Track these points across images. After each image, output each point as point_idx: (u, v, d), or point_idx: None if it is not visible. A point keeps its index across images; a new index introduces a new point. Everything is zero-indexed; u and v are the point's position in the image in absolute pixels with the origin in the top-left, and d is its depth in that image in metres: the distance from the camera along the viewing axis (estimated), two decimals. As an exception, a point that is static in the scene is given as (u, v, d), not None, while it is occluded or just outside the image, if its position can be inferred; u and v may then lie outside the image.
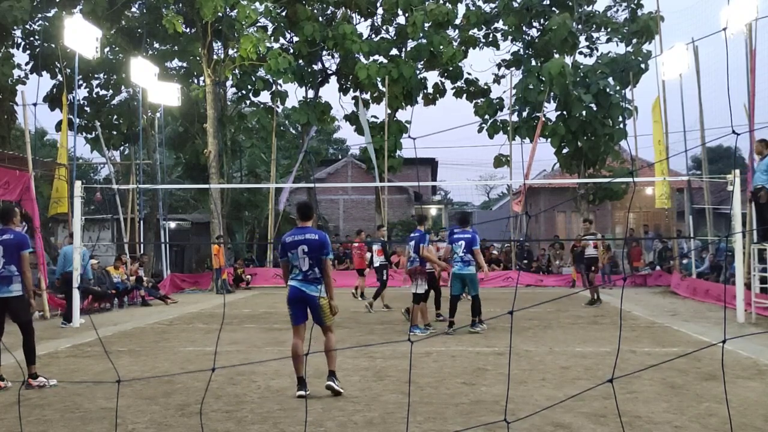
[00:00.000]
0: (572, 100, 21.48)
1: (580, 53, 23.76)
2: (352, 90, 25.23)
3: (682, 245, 21.57)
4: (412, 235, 10.35)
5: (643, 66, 21.88)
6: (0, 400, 6.01)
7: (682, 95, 18.43)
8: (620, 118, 21.74)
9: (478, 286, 10.42)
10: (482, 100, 24.60)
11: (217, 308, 14.76)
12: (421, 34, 22.95)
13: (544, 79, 21.31)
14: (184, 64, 23.64)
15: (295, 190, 27.71)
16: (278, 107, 24.59)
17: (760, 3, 12.90)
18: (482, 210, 51.51)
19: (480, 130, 23.39)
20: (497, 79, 25.19)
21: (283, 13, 23.25)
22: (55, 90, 21.35)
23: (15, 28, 19.15)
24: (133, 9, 22.30)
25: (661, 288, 18.72)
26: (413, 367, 7.31)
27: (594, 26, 23.82)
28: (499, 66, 25.08)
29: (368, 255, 17.66)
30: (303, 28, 22.34)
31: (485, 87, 25.03)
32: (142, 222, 20.74)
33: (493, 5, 23.96)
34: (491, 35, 24.42)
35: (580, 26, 23.21)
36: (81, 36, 15.01)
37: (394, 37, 24.50)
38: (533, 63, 23.10)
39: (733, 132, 3.16)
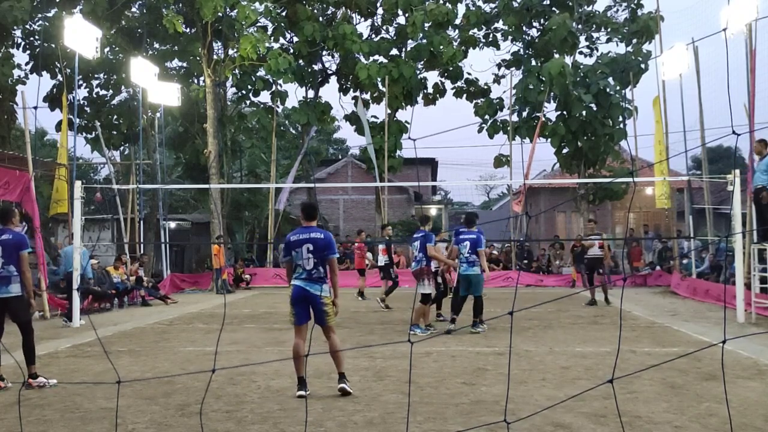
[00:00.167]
0: (572, 100, 21.48)
1: (580, 53, 23.79)
2: (352, 90, 25.24)
3: (682, 245, 21.57)
4: (416, 235, 10.33)
5: (643, 66, 21.88)
6: (0, 400, 6.01)
7: (682, 95, 18.45)
8: (620, 118, 21.74)
9: (482, 288, 10.41)
10: (482, 100, 24.60)
11: (217, 308, 14.76)
12: (421, 34, 22.95)
13: (544, 79, 21.31)
14: (184, 64, 23.64)
15: (295, 190, 27.72)
16: (278, 107, 24.60)
17: (760, 3, 12.90)
18: (482, 210, 51.51)
19: (480, 130, 23.41)
20: (497, 79, 25.20)
21: (283, 13, 23.25)
22: (55, 90, 21.35)
23: (15, 28, 19.15)
24: (133, 9, 22.30)
25: (661, 288, 18.72)
26: (413, 367, 7.31)
27: (594, 26, 23.82)
28: (499, 66, 25.10)
29: (369, 255, 17.69)
30: (303, 28, 22.35)
31: (485, 87, 25.04)
32: (142, 222, 20.73)
33: (493, 5, 23.96)
34: (491, 35, 24.42)
35: (580, 26, 23.21)
36: (81, 36, 15.00)
37: (394, 37, 24.50)
38: (533, 63, 23.10)
39: (734, 132, 3.16)
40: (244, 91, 23.70)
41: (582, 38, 23.52)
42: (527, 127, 22.60)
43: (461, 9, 23.84)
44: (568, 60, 22.20)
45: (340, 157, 40.38)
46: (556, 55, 22.00)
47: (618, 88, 21.91)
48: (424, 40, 23.16)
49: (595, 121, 21.68)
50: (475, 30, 24.15)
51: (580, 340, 9.39)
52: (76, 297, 11.85)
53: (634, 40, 22.55)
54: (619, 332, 9.15)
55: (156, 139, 23.47)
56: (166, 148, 25.32)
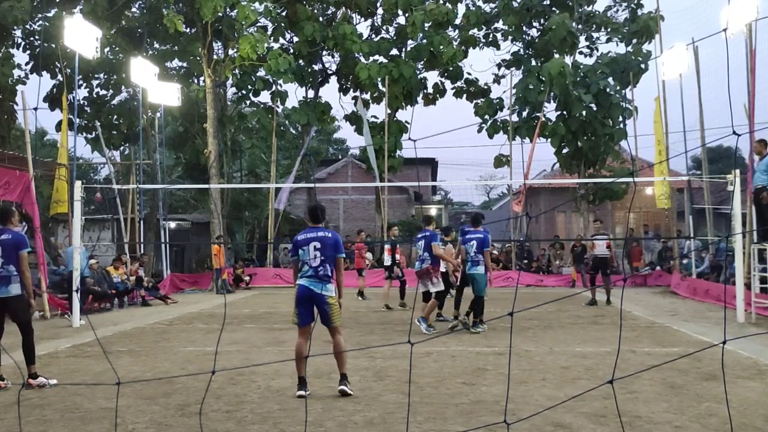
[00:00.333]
0: (572, 100, 21.49)
1: (580, 53, 23.80)
2: (352, 90, 25.24)
3: (682, 245, 21.57)
4: (420, 235, 10.32)
5: (643, 66, 21.88)
6: (0, 400, 6.01)
7: (682, 95, 18.45)
8: (620, 118, 21.74)
9: (485, 288, 10.42)
10: (482, 100, 24.61)
11: (217, 308, 14.76)
12: (421, 34, 22.96)
13: (544, 79, 21.31)
14: (184, 64, 23.64)
15: (295, 190, 27.73)
16: (278, 107, 24.60)
17: (760, 3, 12.90)
18: (482, 210, 51.51)
19: (480, 130, 23.43)
20: (497, 79, 25.21)
21: (283, 13, 23.26)
22: (55, 90, 21.35)
23: (15, 28, 19.15)
24: (133, 9, 22.30)
25: (661, 288, 18.72)
26: (413, 367, 7.31)
27: (594, 26, 23.83)
28: (499, 66, 25.11)
29: (369, 255, 17.70)
30: (303, 28, 22.35)
31: (485, 87, 25.05)
32: (142, 222, 20.74)
33: (493, 5, 23.96)
34: (491, 35, 24.43)
35: (580, 26, 23.22)
36: (81, 36, 15.00)
37: (394, 37, 24.51)
38: (533, 63, 23.11)
39: (734, 132, 3.16)
40: (244, 91, 23.70)
41: (582, 38, 23.53)
42: (527, 127, 22.61)
43: (461, 9, 23.88)
44: (568, 60, 22.20)
45: (340, 157, 40.40)
46: (556, 55, 22.00)
47: (618, 88, 21.91)
48: (424, 40, 23.17)
49: (595, 121, 21.68)
50: (475, 30, 24.16)
51: (580, 340, 9.39)
52: (75, 297, 11.85)
53: (634, 40, 22.56)
54: (619, 332, 9.15)
55: (156, 139, 23.47)
56: (166, 148, 25.32)
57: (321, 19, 24.04)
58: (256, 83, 23.02)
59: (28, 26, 20.37)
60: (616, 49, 23.75)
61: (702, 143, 18.47)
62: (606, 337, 9.66)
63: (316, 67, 24.69)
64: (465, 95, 25.14)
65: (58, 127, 20.27)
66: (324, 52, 24.37)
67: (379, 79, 22.84)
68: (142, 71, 18.99)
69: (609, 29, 23.46)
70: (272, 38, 23.43)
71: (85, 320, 11.84)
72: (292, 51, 23.20)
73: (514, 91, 23.18)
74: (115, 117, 22.82)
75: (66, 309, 12.67)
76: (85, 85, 22.52)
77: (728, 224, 19.86)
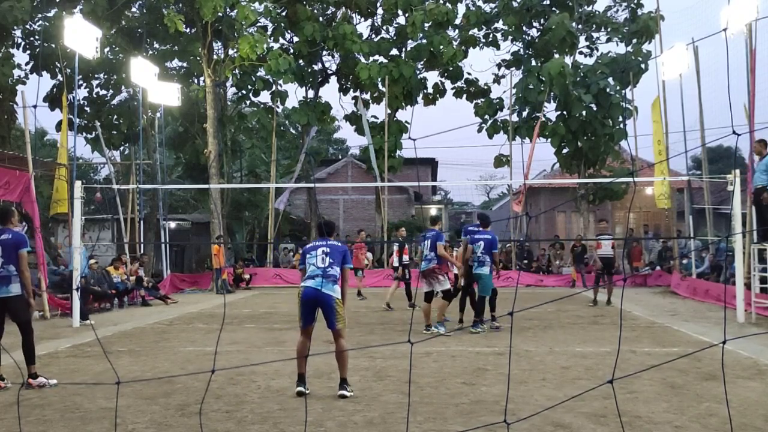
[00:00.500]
0: (572, 100, 21.48)
1: (580, 53, 23.80)
2: (352, 90, 25.25)
3: (682, 245, 21.57)
4: (426, 234, 10.33)
5: (643, 66, 21.88)
6: (0, 400, 6.01)
7: (682, 95, 18.45)
8: (620, 118, 21.74)
9: (489, 289, 10.47)
10: (482, 100, 24.60)
11: (217, 308, 14.76)
12: (421, 34, 22.95)
13: (544, 79, 21.31)
14: (184, 64, 23.65)
15: (295, 190, 27.73)
16: (278, 107, 24.60)
17: (760, 3, 12.90)
18: (482, 210, 51.51)
19: (480, 130, 23.43)
20: (497, 79, 25.21)
21: (283, 13, 23.26)
22: (55, 90, 21.35)
23: (15, 28, 19.15)
24: (133, 9, 22.30)
25: (661, 288, 18.72)
26: (413, 367, 7.31)
27: (594, 26, 23.82)
28: (499, 66, 25.10)
29: (369, 255, 17.70)
30: (303, 28, 22.35)
31: (485, 87, 25.04)
32: (142, 222, 20.74)
33: (493, 5, 23.96)
34: (491, 35, 24.42)
35: (580, 26, 23.22)
36: (81, 36, 15.00)
37: (394, 37, 24.51)
38: (533, 63, 23.10)
39: (734, 132, 3.15)
40: (244, 91, 23.71)
41: (582, 38, 23.53)
42: (527, 127, 22.60)
43: (461, 9, 23.87)
44: (568, 60, 22.20)
45: (340, 157, 40.41)
46: (556, 55, 22.00)
47: (618, 88, 21.91)
48: (424, 40, 23.16)
49: (595, 121, 21.68)
50: (475, 30, 24.15)
51: (580, 340, 9.39)
52: (76, 296, 11.86)
53: (634, 40, 22.55)
54: (619, 332, 9.15)
55: (156, 139, 23.48)
56: (166, 148, 25.33)
57: (321, 19, 24.04)
58: (256, 83, 23.02)
59: (28, 26, 20.38)
60: (616, 49, 23.79)
61: (702, 143, 18.48)
62: (606, 337, 9.66)
63: (316, 67, 24.68)
64: (465, 95, 25.13)
65: (58, 127, 20.27)
66: (324, 52, 24.36)
67: (379, 79, 22.84)
68: (142, 71, 18.99)
69: (609, 29, 23.45)
70: (272, 38, 23.43)
71: (91, 320, 11.83)
72: (292, 51, 23.20)
73: (514, 91, 23.17)
74: (115, 117, 22.81)
75: (67, 310, 12.69)
76: (85, 85, 22.53)
77: (728, 224, 19.86)
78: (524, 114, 23.05)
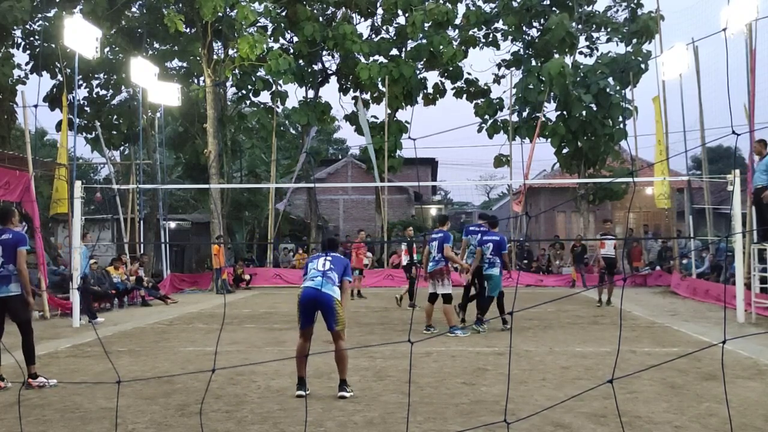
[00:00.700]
0: (572, 100, 21.48)
1: (580, 53, 23.80)
2: (352, 90, 25.25)
3: (682, 245, 21.56)
4: (434, 235, 10.30)
5: (643, 66, 21.88)
6: (0, 400, 6.01)
7: (682, 95, 18.44)
8: (620, 118, 21.74)
9: (498, 290, 10.54)
10: (482, 100, 24.60)
11: (217, 308, 14.76)
12: (421, 35, 22.95)
13: (544, 79, 21.31)
14: (184, 64, 23.65)
15: (295, 189, 27.74)
16: (278, 107, 24.60)
17: (760, 3, 12.89)
18: (482, 210, 51.52)
19: (480, 130, 23.43)
20: (497, 79, 25.21)
21: (283, 13, 23.26)
22: (55, 90, 21.35)
23: (15, 28, 19.15)
24: (133, 9, 22.30)
25: (661, 288, 18.72)
26: (413, 367, 7.31)
27: (594, 26, 23.82)
28: (499, 66, 25.11)
29: (369, 255, 17.68)
30: (303, 28, 22.35)
31: (485, 87, 25.04)
32: (142, 222, 20.74)
33: (492, 5, 23.95)
34: (491, 35, 24.42)
35: (580, 26, 23.22)
36: (81, 36, 14.99)
37: (394, 37, 24.51)
38: (533, 63, 23.10)
39: (733, 132, 3.16)
40: (244, 91, 23.71)
41: (582, 38, 23.53)
42: (527, 127, 22.60)
43: (461, 9, 23.87)
44: (568, 60, 22.20)
45: (340, 157, 40.40)
46: (556, 55, 22.00)
47: (618, 88, 21.91)
48: (424, 40, 23.16)
49: (595, 121, 21.68)
50: (475, 30, 24.15)
51: (580, 340, 9.39)
52: (76, 296, 11.86)
53: (634, 40, 22.55)
54: (619, 332, 9.15)
55: (156, 139, 23.47)
56: (166, 148, 25.32)
57: (321, 19, 24.04)
58: (256, 83, 23.02)
59: (28, 26, 20.38)
60: (616, 49, 23.78)
61: (702, 143, 18.47)
62: (606, 337, 9.66)
63: (316, 67, 24.69)
64: (465, 95, 25.13)
65: (58, 127, 20.27)
66: (324, 52, 24.36)
67: (379, 79, 22.84)
68: (142, 71, 18.98)
69: (609, 29, 23.45)
70: (272, 38, 23.44)
71: (86, 320, 11.84)
72: (292, 51, 23.20)
73: (514, 91, 23.17)
74: (115, 117, 22.82)
75: (67, 310, 12.69)
76: (85, 85, 22.53)
77: (728, 224, 19.85)
78: (524, 114, 23.04)
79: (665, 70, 18.41)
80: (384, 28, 25.02)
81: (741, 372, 6.93)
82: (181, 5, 20.51)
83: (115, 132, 22.73)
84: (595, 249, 17.88)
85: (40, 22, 20.79)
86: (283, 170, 29.47)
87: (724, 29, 3.47)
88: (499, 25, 23.97)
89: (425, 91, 25.21)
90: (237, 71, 21.96)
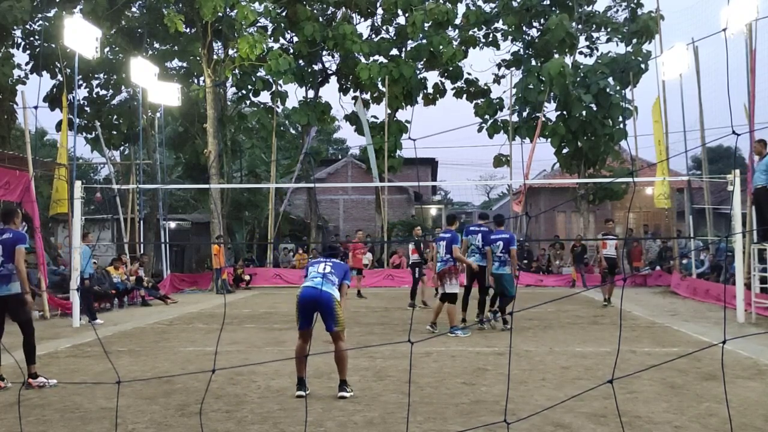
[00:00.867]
0: (572, 100, 21.48)
1: (580, 53, 23.81)
2: (352, 90, 25.25)
3: (682, 245, 21.55)
4: (442, 235, 10.32)
5: (643, 66, 21.87)
6: (0, 400, 6.01)
7: (682, 95, 18.44)
8: (620, 118, 21.73)
9: (513, 287, 10.61)
10: (482, 100, 24.60)
11: (217, 308, 14.76)
12: (421, 35, 22.95)
13: (544, 79, 21.31)
14: (184, 64, 23.65)
15: (295, 190, 27.73)
16: (278, 107, 24.60)
17: (760, 3, 12.89)
18: (482, 210, 51.49)
19: (480, 130, 23.44)
20: (497, 79, 25.21)
21: (283, 13, 23.26)
22: (55, 90, 21.35)
23: (15, 28, 19.15)
24: (133, 9, 22.30)
25: (661, 288, 18.71)
26: (413, 367, 7.31)
27: (594, 26, 23.82)
28: (499, 66, 25.11)
29: (369, 255, 17.65)
30: (303, 28, 22.35)
31: (485, 87, 25.05)
32: (142, 222, 20.73)
33: (493, 5, 23.96)
34: (491, 35, 24.43)
35: (580, 26, 23.22)
36: (81, 36, 14.99)
37: (394, 37, 24.51)
38: (533, 63, 23.10)
39: (734, 132, 3.16)
40: (244, 91, 23.71)
41: (582, 38, 23.53)
42: (527, 127, 22.60)
43: (461, 9, 23.88)
44: (568, 60, 22.20)
45: (340, 157, 40.38)
46: (556, 55, 22.00)
47: (618, 88, 21.91)
48: (424, 40, 23.16)
49: (595, 121, 21.68)
50: (475, 30, 24.15)
51: (580, 340, 9.39)
52: (76, 296, 11.87)
53: (634, 40, 22.55)
54: (619, 332, 9.16)
55: (156, 139, 23.47)
56: (166, 148, 25.31)
57: (321, 19, 24.04)
58: (256, 83, 23.02)
59: (28, 26, 20.38)
60: (616, 49, 23.78)
61: (702, 143, 18.47)
62: (606, 337, 9.66)
63: (316, 67, 24.69)
64: (465, 95, 25.14)
65: (58, 127, 20.27)
66: (324, 52, 24.37)
67: (379, 79, 22.84)
68: (142, 71, 18.98)
69: (609, 29, 23.46)
70: (272, 38, 23.45)
71: (86, 320, 11.84)
72: (292, 51, 23.20)
73: (514, 91, 23.18)
74: (115, 117, 22.82)
75: (67, 310, 12.70)
76: (85, 85, 22.53)
77: (728, 224, 19.86)
78: (524, 114, 23.04)
79: (665, 70, 18.40)
80: (384, 28, 25.03)
81: (741, 372, 6.92)
82: (181, 5, 20.51)
83: (115, 132, 22.73)
84: (595, 249, 17.85)
85: (40, 22, 20.79)
86: (283, 170, 29.46)
87: (724, 29, 3.47)
88: (499, 25, 23.99)
89: (425, 91, 25.21)
90: (237, 71, 21.97)
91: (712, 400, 5.72)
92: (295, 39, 23.51)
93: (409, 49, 24.05)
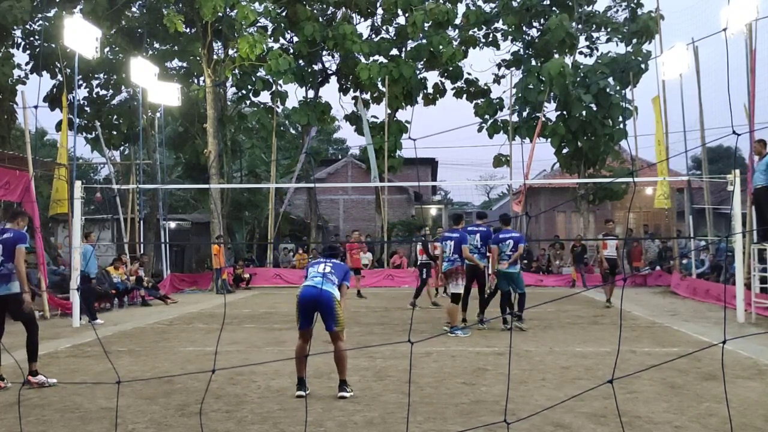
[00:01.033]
0: (572, 100, 21.48)
1: (580, 53, 23.80)
2: (352, 90, 25.25)
3: (682, 245, 21.55)
4: (449, 234, 10.28)
5: (643, 66, 21.86)
6: (0, 400, 6.01)
7: (682, 95, 18.43)
8: (620, 118, 21.73)
9: (524, 284, 10.67)
10: (482, 100, 24.60)
11: (217, 308, 14.76)
12: (421, 35, 22.95)
13: (544, 79, 21.31)
14: (184, 64, 23.64)
15: (295, 190, 27.74)
16: (278, 107, 24.60)
17: (760, 3, 12.90)
18: (482, 210, 51.48)
19: (480, 130, 23.45)
20: (497, 79, 25.21)
21: (283, 13, 23.26)
22: (55, 90, 21.35)
23: (15, 28, 19.15)
24: (133, 9, 22.30)
25: (661, 288, 18.71)
26: (413, 367, 7.31)
27: (594, 26, 23.82)
28: (499, 66, 25.11)
29: (369, 255, 17.63)
30: (303, 28, 22.35)
31: (485, 87, 25.05)
32: (142, 222, 20.73)
33: (493, 5, 23.96)
34: (491, 35, 24.42)
35: (580, 26, 23.21)
36: (81, 36, 14.99)
37: (394, 37, 24.51)
38: (533, 63, 23.10)
39: (734, 132, 3.16)
40: (244, 91, 23.70)
41: (582, 38, 23.52)
42: (527, 127, 22.59)
43: (461, 9, 23.87)
44: (568, 60, 22.20)
45: (340, 157, 40.38)
46: (556, 55, 22.00)
47: (618, 88, 21.90)
48: (424, 40, 23.16)
49: (595, 121, 21.68)
50: (475, 30, 24.15)
51: (580, 340, 9.39)
52: (76, 296, 11.87)
53: (634, 40, 22.54)
54: (619, 332, 9.15)
55: (156, 139, 23.47)
56: (166, 148, 25.31)
57: (321, 19, 24.04)
58: (256, 83, 23.02)
59: (28, 26, 20.38)
60: (616, 49, 23.78)
61: (702, 143, 18.47)
62: (606, 337, 9.66)
63: (316, 67, 24.69)
64: (465, 95, 25.14)
65: (58, 127, 20.27)
66: (324, 52, 24.36)
67: (379, 79, 22.84)
68: (142, 71, 18.98)
69: (609, 29, 23.45)
70: (272, 38, 23.44)
71: (86, 320, 11.84)
72: (292, 51, 23.20)
73: (514, 91, 23.18)
74: (115, 117, 22.82)
75: (68, 310, 12.71)
76: (85, 85, 22.53)
77: (728, 224, 19.85)
78: (524, 114, 23.03)
79: (665, 70, 18.40)
80: (384, 28, 25.03)
81: (741, 372, 6.92)
82: (181, 5, 20.51)
83: (115, 132, 22.73)
84: (595, 249, 17.82)
85: (40, 22, 20.79)
86: (283, 170, 29.46)
87: (724, 29, 3.47)
88: (499, 25, 23.98)
89: (425, 91, 25.21)
90: (237, 71, 21.97)
91: (712, 400, 5.72)
92: (295, 39, 23.50)
93: (409, 49, 24.05)
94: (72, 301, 12.30)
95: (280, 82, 22.84)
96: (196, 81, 23.31)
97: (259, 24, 22.09)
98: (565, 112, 22.09)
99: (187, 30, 20.78)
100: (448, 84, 25.19)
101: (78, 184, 12.62)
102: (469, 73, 24.96)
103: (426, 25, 22.83)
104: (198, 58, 21.46)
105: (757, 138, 11.68)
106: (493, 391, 6.24)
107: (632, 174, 17.60)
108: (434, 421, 5.25)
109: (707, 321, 11.43)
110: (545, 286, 20.33)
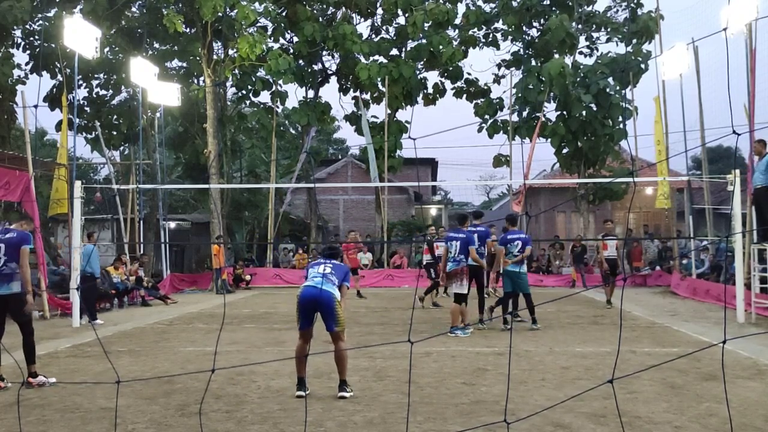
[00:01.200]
0: (572, 100, 21.48)
1: (580, 53, 23.79)
2: (352, 90, 25.25)
3: (682, 245, 21.55)
4: (454, 234, 10.18)
5: (643, 66, 21.86)
6: (0, 400, 6.01)
7: (682, 95, 18.43)
8: (620, 118, 21.73)
9: (527, 286, 10.68)
10: (482, 100, 24.60)
11: (217, 308, 14.76)
12: (421, 35, 22.95)
13: (544, 79, 21.30)
14: (184, 64, 23.64)
15: (295, 190, 27.74)
16: (278, 107, 24.60)
17: (760, 3, 12.89)
18: (482, 210, 51.42)
19: (480, 130, 23.45)
20: (497, 79, 25.21)
21: (283, 13, 23.25)
22: (55, 90, 21.34)
23: (15, 28, 19.14)
24: (133, 9, 22.30)
25: (661, 288, 18.71)
26: (413, 367, 7.31)
27: (594, 26, 23.81)
28: (499, 66, 25.11)
29: (369, 255, 17.64)
30: (303, 28, 22.35)
31: (485, 87, 25.05)
32: (142, 222, 20.73)
33: (492, 5, 23.96)
34: (491, 35, 24.42)
35: (580, 26, 23.21)
36: (81, 36, 14.99)
37: (394, 37, 24.51)
38: (533, 63, 23.10)
39: (734, 132, 3.15)
40: (244, 91, 23.70)
41: (582, 38, 23.51)
42: (527, 127, 22.59)
43: (461, 9, 23.87)
44: (568, 60, 22.20)
45: (340, 157, 40.37)
46: (556, 55, 22.00)
47: (618, 88, 21.90)
48: (424, 40, 23.16)
49: (595, 121, 21.67)
50: (475, 30, 24.15)
51: (580, 340, 9.39)
52: (76, 296, 11.87)
53: (634, 40, 22.53)
54: (619, 332, 9.15)
55: (156, 139, 23.47)
56: (166, 148, 25.31)
57: (321, 19, 24.04)
58: (256, 83, 23.01)
59: (28, 26, 20.36)
60: (616, 49, 23.77)
61: (702, 143, 18.47)
62: (606, 337, 9.66)
63: (316, 67, 24.68)
64: (465, 95, 25.14)
65: (58, 127, 20.27)
66: (324, 52, 24.35)
67: (379, 79, 22.84)
68: (142, 71, 18.98)
69: (609, 29, 23.44)
70: (272, 38, 23.43)
71: (86, 320, 11.84)
72: (292, 51, 23.20)
73: (514, 91, 23.18)
74: (115, 117, 22.81)
75: (67, 310, 12.71)
76: (85, 85, 22.52)
77: (728, 224, 19.84)
78: (524, 114, 23.04)
79: (665, 70, 18.40)
80: (384, 28, 25.02)
81: (741, 372, 6.92)
82: (181, 5, 20.50)
83: (115, 132, 22.72)
84: (595, 249, 17.81)
85: (40, 22, 20.77)
86: (283, 170, 29.45)
87: (724, 29, 3.47)
88: (499, 25, 23.97)
89: (425, 91, 25.21)
90: (237, 71, 21.96)
91: (712, 400, 5.72)
92: (295, 39, 23.49)
93: (409, 49, 24.04)
94: (72, 301, 12.29)
95: (280, 82, 22.83)
96: (196, 81, 23.31)
97: (259, 24, 22.08)
98: (565, 112, 22.09)
99: (187, 30, 20.77)
100: (448, 84, 25.22)
101: (78, 184, 12.62)
102: (469, 73, 25.00)
103: (426, 25, 22.83)
104: (198, 58, 21.46)
105: (757, 138, 11.69)
106: (493, 391, 6.24)
107: (632, 174, 17.59)
108: (434, 421, 5.25)
109: (707, 321, 11.43)
110: (545, 286, 20.32)
